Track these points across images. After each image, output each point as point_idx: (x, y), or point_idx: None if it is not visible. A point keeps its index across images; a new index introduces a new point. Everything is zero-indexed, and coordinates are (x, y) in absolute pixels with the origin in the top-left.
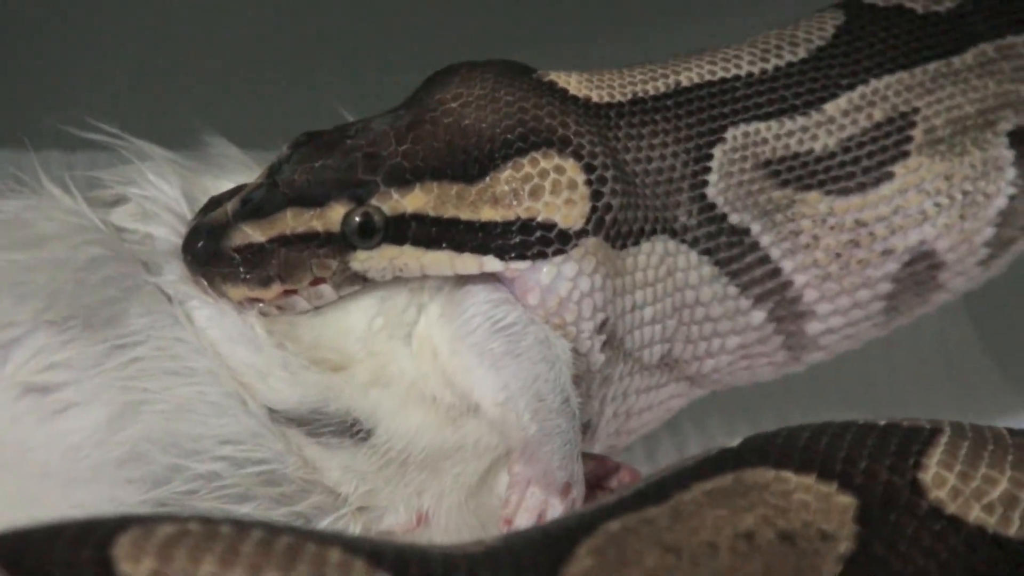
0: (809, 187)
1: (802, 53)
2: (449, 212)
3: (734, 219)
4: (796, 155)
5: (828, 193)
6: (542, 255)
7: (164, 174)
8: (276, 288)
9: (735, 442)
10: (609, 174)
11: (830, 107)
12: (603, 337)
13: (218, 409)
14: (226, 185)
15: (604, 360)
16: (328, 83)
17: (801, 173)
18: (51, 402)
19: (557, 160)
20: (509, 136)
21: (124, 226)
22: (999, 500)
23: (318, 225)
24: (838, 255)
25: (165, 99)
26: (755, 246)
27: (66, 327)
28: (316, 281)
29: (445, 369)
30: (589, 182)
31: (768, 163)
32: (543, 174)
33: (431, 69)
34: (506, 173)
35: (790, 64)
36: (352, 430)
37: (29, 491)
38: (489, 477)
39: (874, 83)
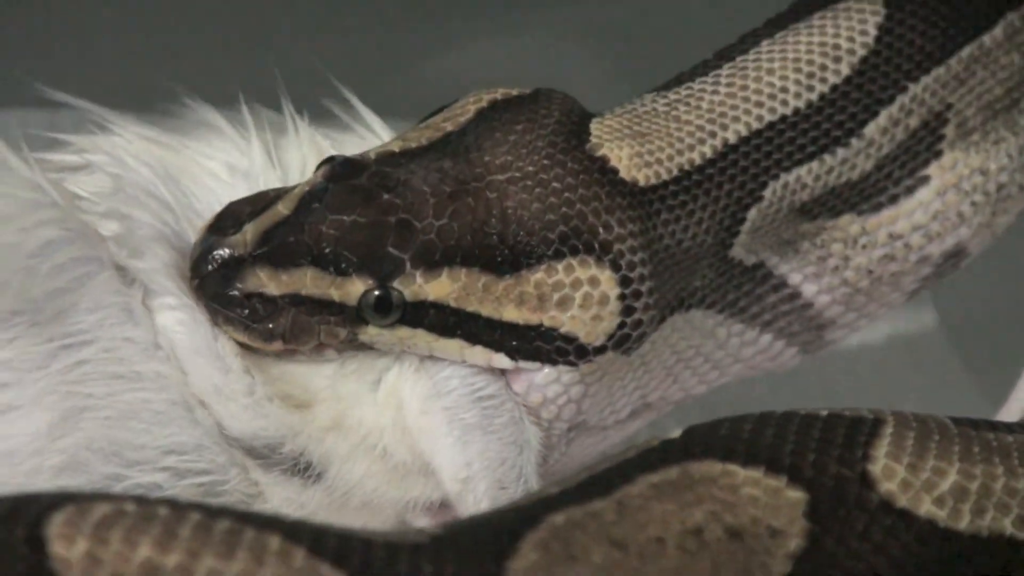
0: (840, 212)
1: (845, 70)
2: (471, 306)
3: (750, 260)
4: (833, 189)
5: (860, 213)
6: (552, 361)
7: (142, 155)
8: (278, 346)
9: (675, 433)
10: (645, 286)
11: (870, 129)
12: (573, 433)
13: (163, 418)
14: (210, 165)
15: (567, 441)
16: (300, 39)
17: (835, 203)
18: None
19: (593, 271)
20: (549, 234)
21: (87, 196)
22: (949, 493)
23: (335, 295)
24: (870, 271)
25: (137, 53)
26: (768, 276)
27: (11, 324)
28: (320, 347)
29: (409, 425)
30: (623, 296)
31: (803, 205)
32: (576, 284)
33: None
34: (538, 275)
35: (834, 88)
36: (304, 473)
37: None
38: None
39: (912, 89)
